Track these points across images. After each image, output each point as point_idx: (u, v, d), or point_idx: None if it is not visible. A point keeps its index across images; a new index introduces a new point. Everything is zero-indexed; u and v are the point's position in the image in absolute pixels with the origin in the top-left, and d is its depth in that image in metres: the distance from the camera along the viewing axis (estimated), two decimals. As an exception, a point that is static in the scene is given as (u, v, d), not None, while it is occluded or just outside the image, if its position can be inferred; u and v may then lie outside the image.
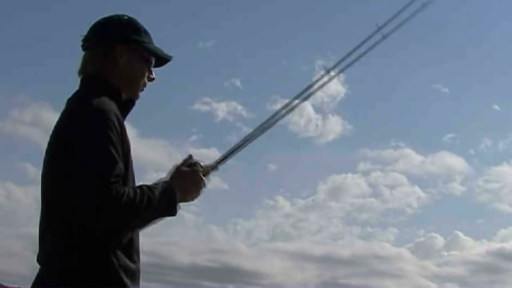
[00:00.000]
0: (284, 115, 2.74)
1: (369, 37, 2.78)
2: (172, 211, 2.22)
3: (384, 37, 2.78)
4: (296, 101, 2.88)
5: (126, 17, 2.39)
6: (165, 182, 2.25)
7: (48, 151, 2.21)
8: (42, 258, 2.21)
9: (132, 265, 2.19)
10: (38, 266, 2.22)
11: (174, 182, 2.27)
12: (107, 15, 2.41)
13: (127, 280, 2.16)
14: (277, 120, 2.70)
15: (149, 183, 2.19)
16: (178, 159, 2.41)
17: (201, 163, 2.41)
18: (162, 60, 2.44)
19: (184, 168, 2.36)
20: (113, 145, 2.10)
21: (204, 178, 2.38)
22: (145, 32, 2.39)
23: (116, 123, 2.15)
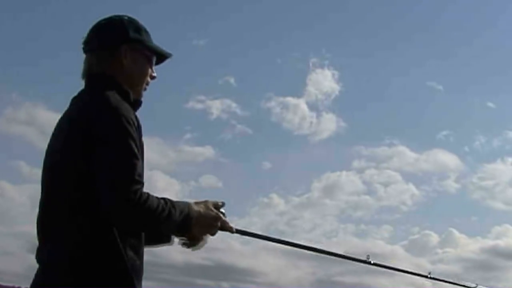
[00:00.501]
0: None
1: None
2: (184, 232, 2.26)
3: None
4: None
5: (126, 17, 2.39)
6: (187, 205, 2.23)
7: (60, 148, 2.19)
8: (43, 255, 2.18)
9: (139, 262, 2.19)
10: (33, 265, 2.17)
11: (196, 210, 2.25)
12: (106, 15, 2.39)
13: (133, 275, 2.15)
14: None
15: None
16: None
17: (224, 212, 2.39)
18: (161, 58, 2.46)
19: (212, 207, 2.33)
20: (134, 142, 2.11)
21: (218, 228, 2.37)
22: (145, 31, 2.40)
23: (135, 122, 2.16)
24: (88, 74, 2.32)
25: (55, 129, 2.27)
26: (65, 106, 2.32)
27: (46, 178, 2.23)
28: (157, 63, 2.45)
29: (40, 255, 2.19)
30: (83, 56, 2.36)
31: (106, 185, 2.04)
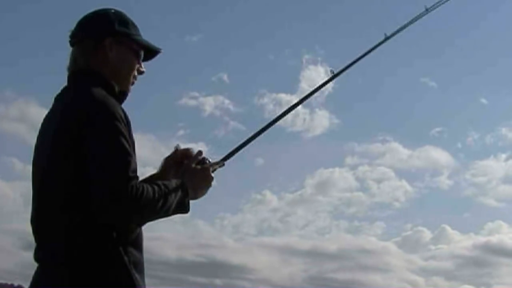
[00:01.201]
0: (291, 110, 2.82)
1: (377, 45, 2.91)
2: (184, 209, 2.24)
3: (387, 38, 2.78)
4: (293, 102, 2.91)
5: (113, 10, 2.36)
6: (178, 180, 2.25)
7: (50, 147, 2.15)
8: (43, 255, 2.16)
9: (140, 258, 2.18)
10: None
11: (187, 180, 2.27)
12: (93, 9, 2.37)
13: (137, 276, 2.13)
14: (282, 116, 2.79)
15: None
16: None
17: (209, 160, 2.43)
18: (151, 53, 2.42)
19: (196, 167, 2.36)
20: (125, 138, 2.09)
21: (212, 180, 2.39)
22: (133, 24, 2.37)
23: (124, 117, 2.13)
24: (72, 70, 2.29)
25: (41, 127, 2.25)
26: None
27: (37, 178, 2.21)
28: (148, 59, 2.42)
29: (39, 254, 2.17)
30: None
31: (101, 185, 2.01)
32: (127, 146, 2.07)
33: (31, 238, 2.22)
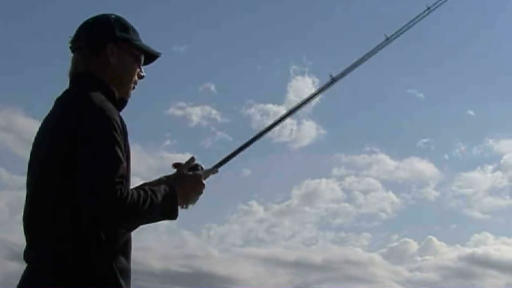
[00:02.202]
0: (285, 118, 2.82)
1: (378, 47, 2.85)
2: (172, 215, 2.22)
3: (389, 41, 2.79)
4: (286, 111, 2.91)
5: (113, 16, 2.36)
6: (167, 185, 2.24)
7: (43, 150, 2.16)
8: (32, 255, 2.15)
9: (127, 265, 2.18)
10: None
11: (176, 186, 2.26)
12: (93, 15, 2.37)
13: (122, 282, 2.13)
14: (275, 125, 2.78)
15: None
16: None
17: (202, 166, 2.43)
18: (151, 57, 2.43)
19: (187, 173, 2.37)
20: (118, 144, 2.08)
21: (203, 188, 2.39)
22: (133, 29, 2.37)
23: (119, 123, 2.13)
24: (74, 73, 2.29)
25: (39, 130, 2.25)
26: (45, 112, 2.28)
27: (32, 180, 2.21)
28: (146, 63, 2.41)
29: (28, 256, 2.17)
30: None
31: (87, 187, 2.01)
32: (118, 151, 2.06)
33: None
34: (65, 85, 2.33)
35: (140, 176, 2.32)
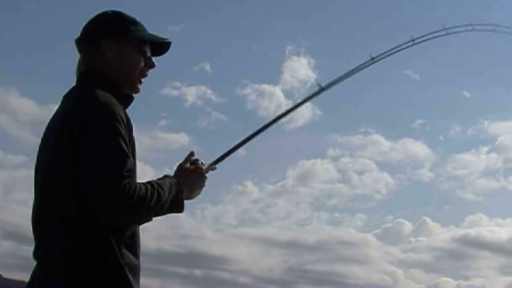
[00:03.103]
0: (277, 120, 2.93)
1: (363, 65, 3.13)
2: (179, 208, 2.27)
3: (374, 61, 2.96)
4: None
5: (110, 12, 2.37)
6: (172, 179, 2.29)
7: (51, 147, 2.19)
8: (41, 254, 2.19)
9: (136, 262, 2.19)
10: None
11: (181, 179, 2.32)
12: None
13: (131, 277, 2.14)
14: (270, 124, 2.88)
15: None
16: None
17: (202, 161, 2.49)
18: (161, 47, 2.41)
19: (189, 167, 2.43)
20: (123, 139, 2.10)
21: (205, 182, 2.46)
22: (134, 21, 2.36)
23: (125, 119, 2.15)
24: (78, 73, 2.33)
25: (47, 128, 2.27)
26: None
27: (39, 179, 2.23)
28: (159, 53, 2.41)
29: (37, 253, 2.20)
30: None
31: (94, 183, 2.03)
32: (123, 146, 2.09)
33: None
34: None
35: (137, 157, 2.44)
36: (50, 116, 2.29)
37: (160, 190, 2.14)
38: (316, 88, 3.07)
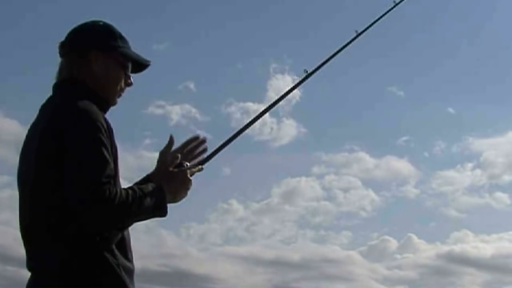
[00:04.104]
0: (265, 113, 2.85)
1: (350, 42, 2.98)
2: (162, 213, 2.23)
3: (358, 34, 2.90)
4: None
5: (101, 23, 2.37)
6: (155, 183, 2.26)
7: (31, 159, 2.17)
8: (34, 264, 2.18)
9: (128, 264, 2.20)
10: None
11: (164, 183, 2.27)
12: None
13: (126, 279, 2.16)
14: (256, 119, 2.82)
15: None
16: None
17: (187, 163, 2.44)
18: (140, 65, 2.42)
19: (173, 170, 2.37)
20: (104, 146, 2.09)
21: (191, 178, 2.40)
22: (121, 37, 2.37)
23: (105, 125, 2.14)
24: (58, 80, 2.31)
25: (26, 139, 2.26)
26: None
27: (24, 189, 2.22)
28: (137, 71, 2.42)
29: (31, 264, 2.19)
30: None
31: (73, 188, 2.04)
32: (104, 152, 2.08)
33: None
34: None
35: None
36: None
37: (141, 194, 2.13)
38: (303, 74, 2.96)
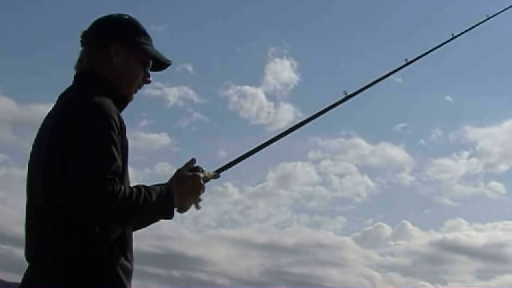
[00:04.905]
0: (288, 133, 2.86)
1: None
2: (168, 215, 2.20)
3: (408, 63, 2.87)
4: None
5: (126, 17, 2.35)
6: (164, 184, 2.23)
7: (45, 146, 2.16)
8: (33, 255, 2.16)
9: (126, 262, 2.17)
10: None
11: (174, 186, 2.23)
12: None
13: (124, 278, 2.14)
14: (280, 136, 2.81)
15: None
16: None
17: (203, 169, 2.38)
18: (161, 64, 2.40)
19: (186, 173, 2.32)
20: (113, 143, 2.07)
21: (204, 184, 2.34)
22: (145, 33, 2.35)
23: (117, 122, 2.12)
24: (78, 68, 2.30)
25: (42, 125, 2.25)
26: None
27: (32, 178, 2.22)
28: (157, 69, 2.40)
29: (29, 253, 2.18)
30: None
31: (77, 182, 2.02)
32: (112, 149, 2.06)
33: None
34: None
35: None
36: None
37: (147, 194, 2.09)
38: (342, 96, 2.93)
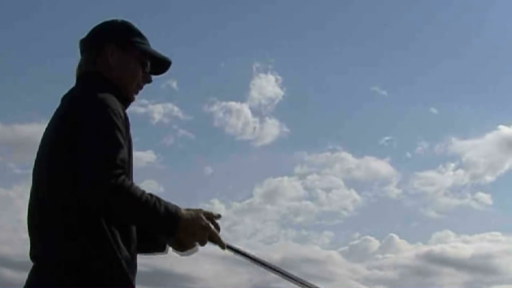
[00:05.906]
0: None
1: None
2: (170, 228, 2.11)
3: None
4: None
5: (120, 20, 2.39)
6: (174, 206, 2.12)
7: (51, 141, 2.15)
8: (38, 252, 2.12)
9: (133, 262, 2.15)
10: None
11: (184, 213, 2.13)
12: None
13: (129, 272, 2.11)
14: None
15: None
16: None
17: (219, 229, 2.28)
18: (162, 65, 2.42)
19: (203, 216, 2.20)
20: (119, 131, 2.07)
21: (207, 238, 2.23)
22: (140, 34, 2.37)
23: (123, 115, 2.13)
24: (79, 73, 2.32)
25: (47, 127, 2.24)
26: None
27: (37, 175, 2.19)
28: (159, 72, 2.42)
29: (34, 252, 2.14)
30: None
31: (87, 168, 1.99)
32: (119, 137, 2.06)
33: None
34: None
35: None
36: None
37: (157, 202, 2.05)
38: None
